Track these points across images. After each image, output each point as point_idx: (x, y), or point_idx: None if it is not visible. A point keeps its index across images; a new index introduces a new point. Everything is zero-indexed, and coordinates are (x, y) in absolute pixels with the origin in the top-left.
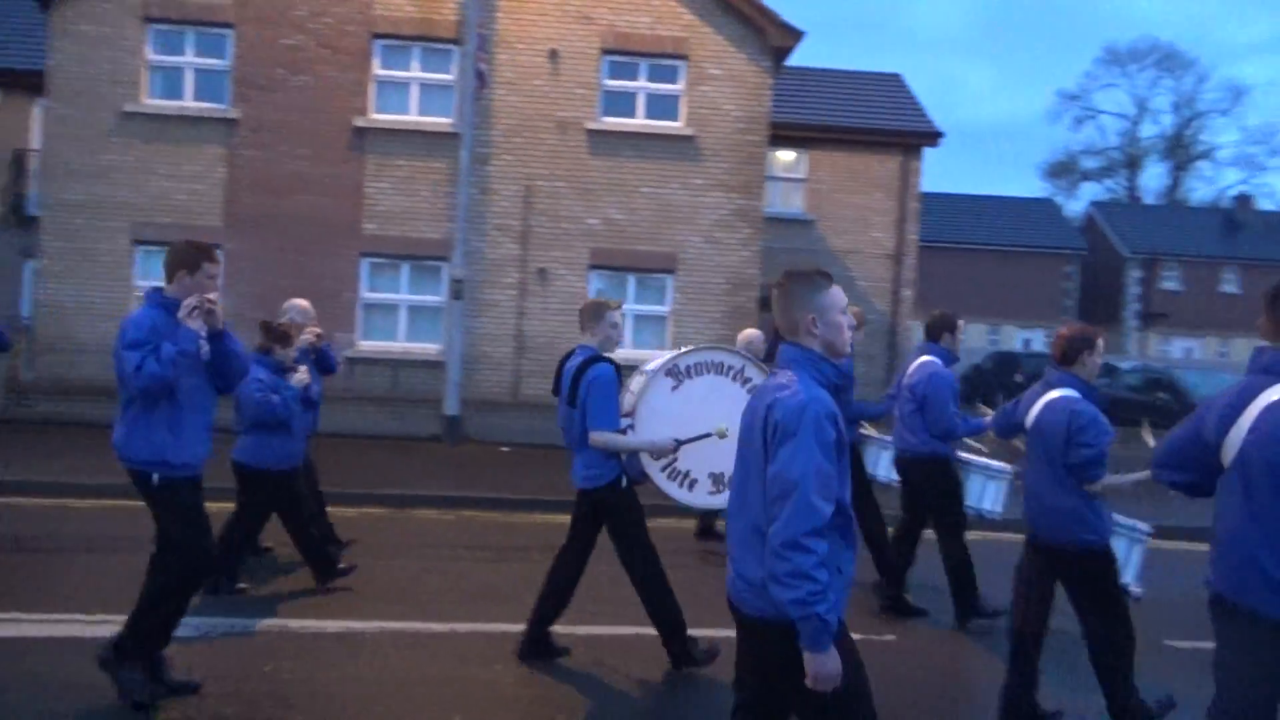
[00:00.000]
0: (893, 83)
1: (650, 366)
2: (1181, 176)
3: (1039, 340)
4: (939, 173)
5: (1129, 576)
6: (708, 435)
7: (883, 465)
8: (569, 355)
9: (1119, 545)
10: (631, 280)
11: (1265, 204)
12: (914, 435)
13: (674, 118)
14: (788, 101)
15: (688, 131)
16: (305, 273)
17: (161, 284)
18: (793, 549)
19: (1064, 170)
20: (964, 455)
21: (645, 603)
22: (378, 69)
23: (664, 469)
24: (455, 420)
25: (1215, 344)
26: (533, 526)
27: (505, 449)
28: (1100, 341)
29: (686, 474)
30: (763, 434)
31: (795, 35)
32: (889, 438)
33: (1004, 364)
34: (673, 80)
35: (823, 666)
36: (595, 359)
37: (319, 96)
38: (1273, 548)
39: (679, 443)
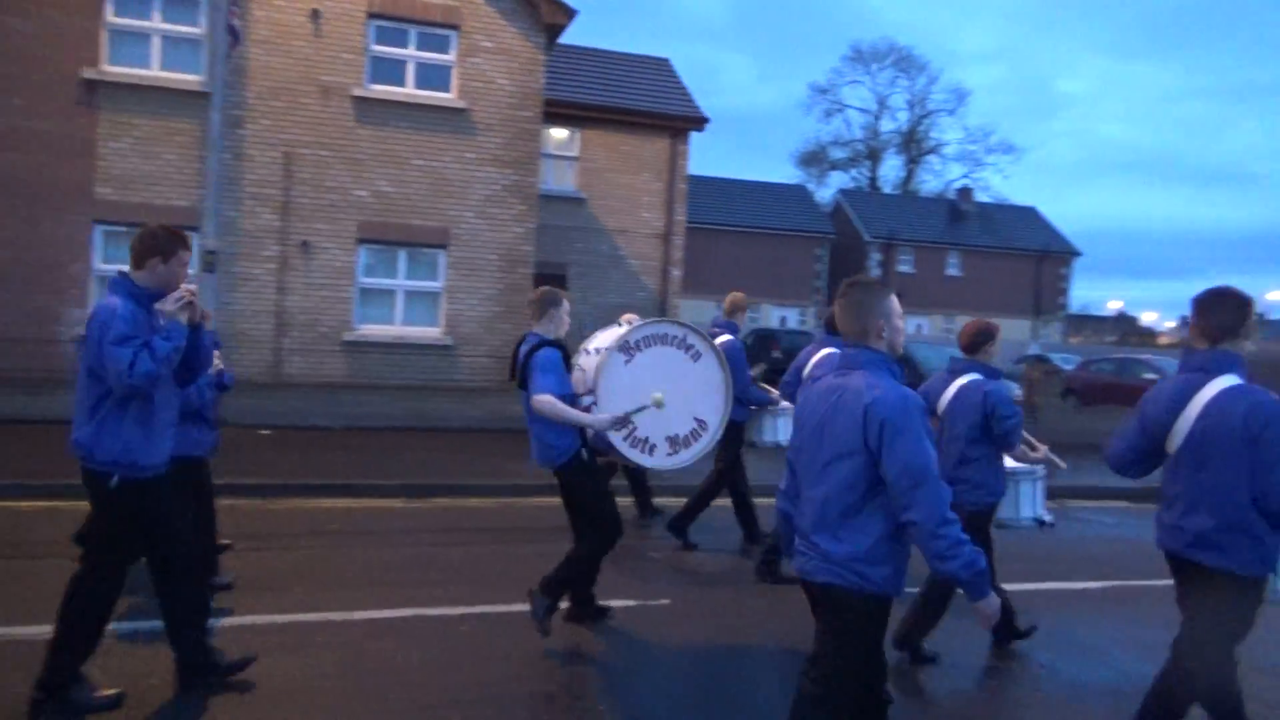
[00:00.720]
0: (661, 67)
1: (599, 345)
2: (915, 169)
3: (794, 318)
4: (704, 157)
5: (1039, 509)
6: (644, 408)
7: (781, 431)
8: (520, 343)
9: (1024, 486)
10: (402, 255)
11: (982, 196)
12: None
13: (446, 89)
14: (561, 79)
15: (460, 104)
16: (24, 240)
17: (124, 269)
18: (943, 525)
19: (814, 159)
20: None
21: (570, 559)
22: (111, 16)
23: (625, 438)
24: None
25: (941, 321)
26: (297, 512)
27: (265, 432)
28: (999, 334)
29: (645, 440)
30: (863, 432)
31: (568, 13)
32: (786, 405)
33: (763, 341)
34: (444, 50)
35: (989, 607)
36: (545, 343)
37: (40, 43)
38: (1232, 513)
39: (617, 419)
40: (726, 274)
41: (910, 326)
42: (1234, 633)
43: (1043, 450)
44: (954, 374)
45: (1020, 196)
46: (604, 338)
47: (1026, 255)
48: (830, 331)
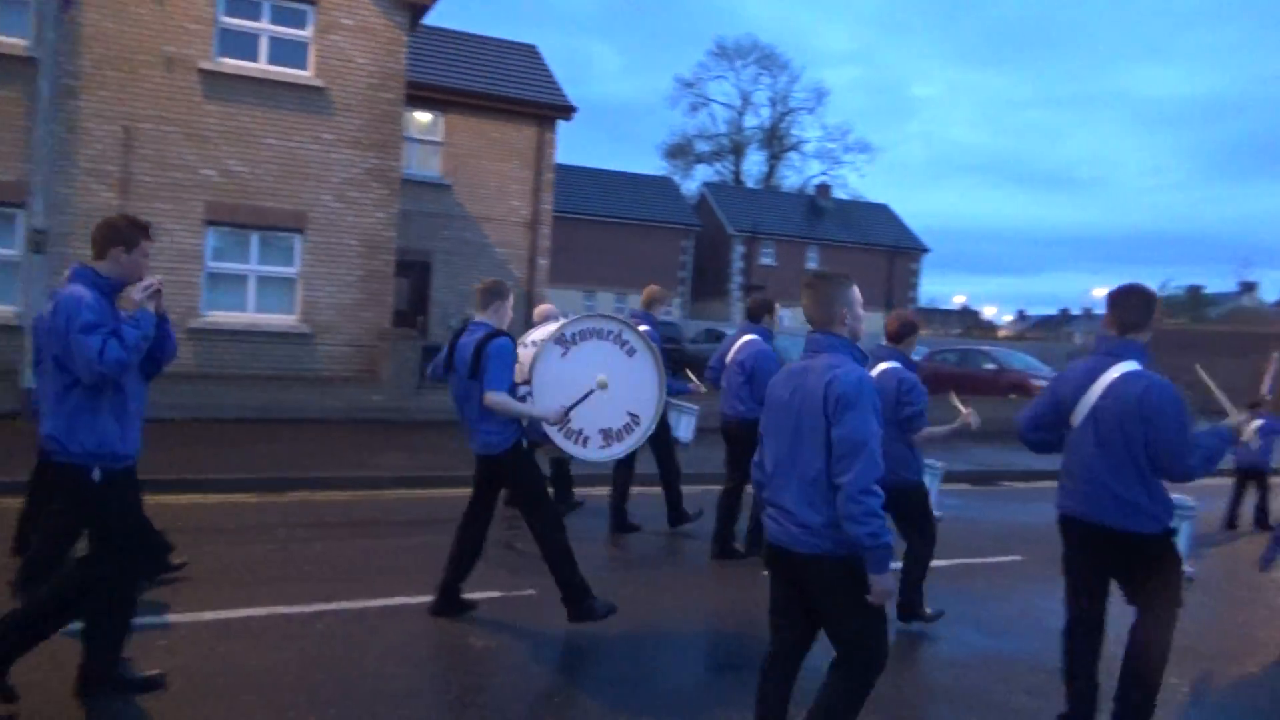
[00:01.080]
0: (529, 53)
1: (536, 338)
2: (776, 165)
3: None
4: (571, 146)
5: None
6: (591, 392)
7: (682, 428)
8: (460, 332)
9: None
10: (255, 239)
11: (840, 193)
12: (742, 404)
13: (302, 66)
14: (425, 62)
15: (317, 82)
16: None
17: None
18: (865, 494)
19: (680, 152)
20: None
21: (546, 559)
22: None
23: (560, 430)
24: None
25: (801, 314)
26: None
27: None
28: (919, 328)
29: (580, 432)
30: (823, 406)
31: None
32: (689, 405)
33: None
34: (300, 25)
35: (885, 584)
36: (497, 333)
37: None
38: (1118, 479)
39: (567, 410)
40: (593, 264)
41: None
42: (1177, 589)
43: (966, 412)
44: (876, 359)
45: (875, 194)
46: (540, 332)
47: (880, 251)
48: (752, 320)
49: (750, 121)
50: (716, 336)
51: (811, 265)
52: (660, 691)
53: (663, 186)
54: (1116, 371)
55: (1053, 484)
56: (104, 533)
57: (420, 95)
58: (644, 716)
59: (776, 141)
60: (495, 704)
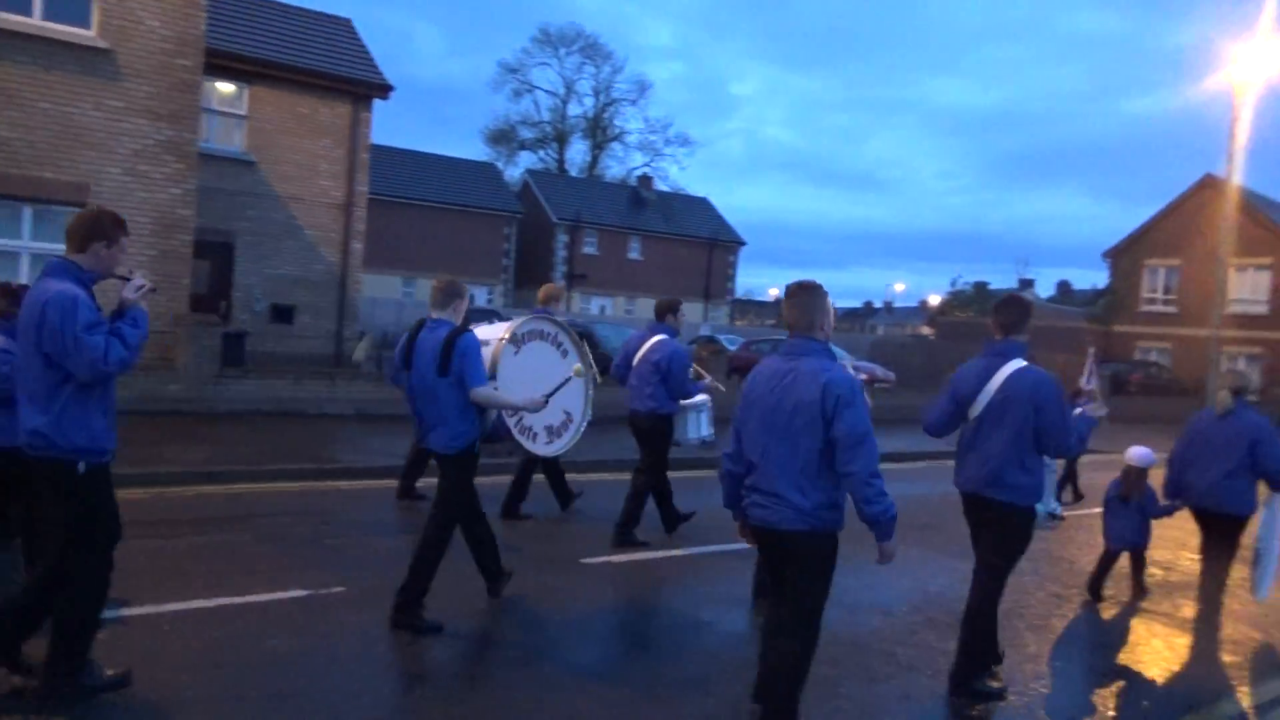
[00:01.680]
0: (343, 27)
1: (490, 336)
2: (599, 155)
3: (482, 296)
4: (390, 127)
5: (705, 431)
6: (568, 380)
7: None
8: (419, 329)
9: (690, 415)
10: (28, 212)
11: (661, 185)
12: (654, 400)
13: (84, 25)
14: (229, 29)
15: (102, 44)
16: None
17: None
18: (874, 477)
19: (504, 138)
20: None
21: (418, 557)
22: None
23: (515, 425)
24: None
25: (624, 303)
26: None
27: None
28: (682, 308)
29: (530, 428)
30: (821, 405)
31: None
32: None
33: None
34: None
35: (892, 550)
36: (462, 330)
37: None
38: (1013, 462)
39: (547, 397)
40: (413, 249)
41: (595, 307)
42: (1018, 552)
43: (709, 379)
44: (653, 332)
45: (695, 188)
46: (489, 332)
47: (699, 243)
48: (658, 319)
49: (574, 110)
50: None
51: (633, 255)
52: (472, 691)
53: (485, 172)
54: (1009, 369)
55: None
56: (84, 526)
57: (223, 65)
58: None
59: (600, 131)
60: (299, 711)
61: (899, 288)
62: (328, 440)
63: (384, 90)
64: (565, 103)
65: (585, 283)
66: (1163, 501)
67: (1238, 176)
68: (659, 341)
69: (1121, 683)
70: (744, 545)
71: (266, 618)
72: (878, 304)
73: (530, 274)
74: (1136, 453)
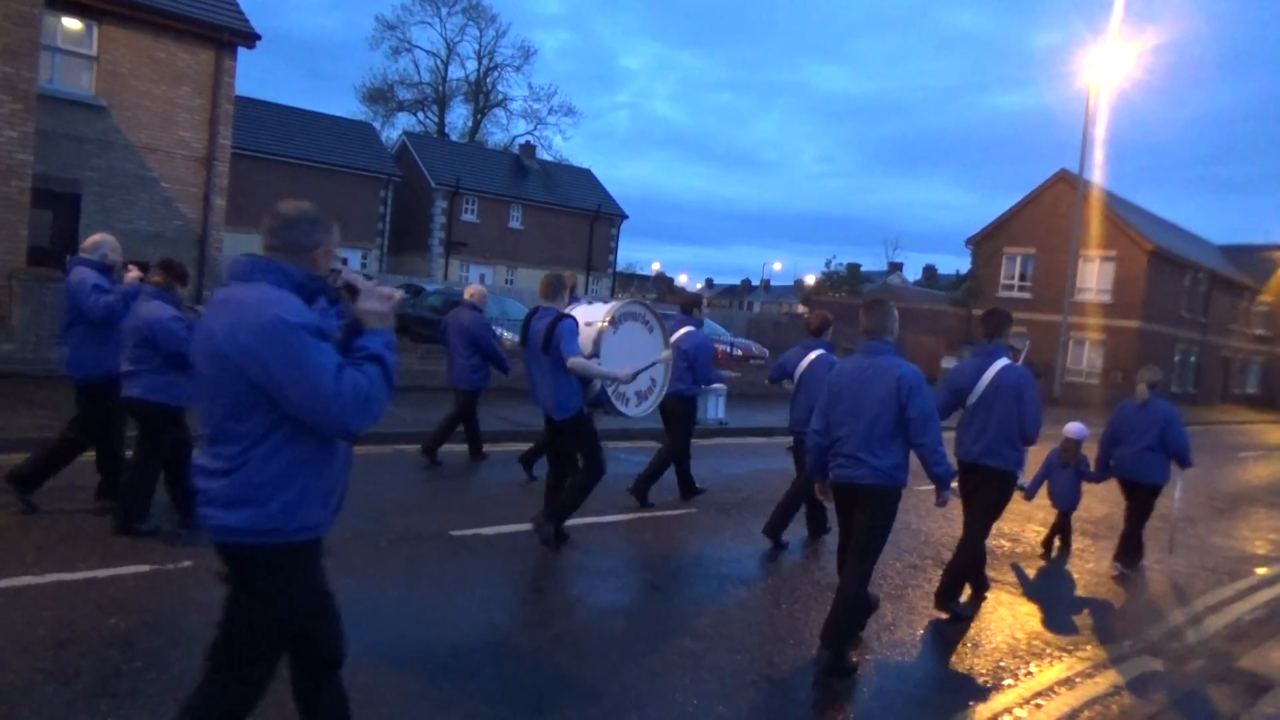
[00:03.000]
0: None
1: (588, 320)
2: (481, 120)
3: (355, 261)
4: (260, 79)
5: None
6: (656, 362)
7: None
8: (531, 317)
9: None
10: None
11: (545, 155)
12: (682, 383)
13: None
14: None
15: None
16: None
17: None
18: (939, 445)
19: (381, 97)
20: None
21: (566, 499)
22: None
23: (613, 392)
24: None
25: (504, 272)
26: None
27: None
28: (704, 302)
29: (624, 394)
30: (896, 393)
31: None
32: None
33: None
34: None
35: (949, 499)
36: (562, 316)
37: None
38: (1001, 438)
39: (636, 372)
40: None
41: (474, 276)
42: (1002, 507)
43: (727, 371)
44: (679, 323)
45: (580, 159)
46: (589, 314)
47: (582, 214)
48: (686, 313)
49: (455, 73)
50: (415, 291)
51: (514, 225)
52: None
53: (361, 132)
54: (997, 366)
55: (720, 442)
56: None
57: None
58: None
59: (482, 96)
60: (134, 691)
61: (777, 267)
62: None
63: (250, 38)
64: (446, 64)
65: (464, 251)
66: (1093, 471)
67: (1098, 175)
68: (688, 332)
69: (969, 648)
70: (616, 517)
71: (107, 595)
72: (755, 282)
73: (407, 239)
74: (1074, 428)
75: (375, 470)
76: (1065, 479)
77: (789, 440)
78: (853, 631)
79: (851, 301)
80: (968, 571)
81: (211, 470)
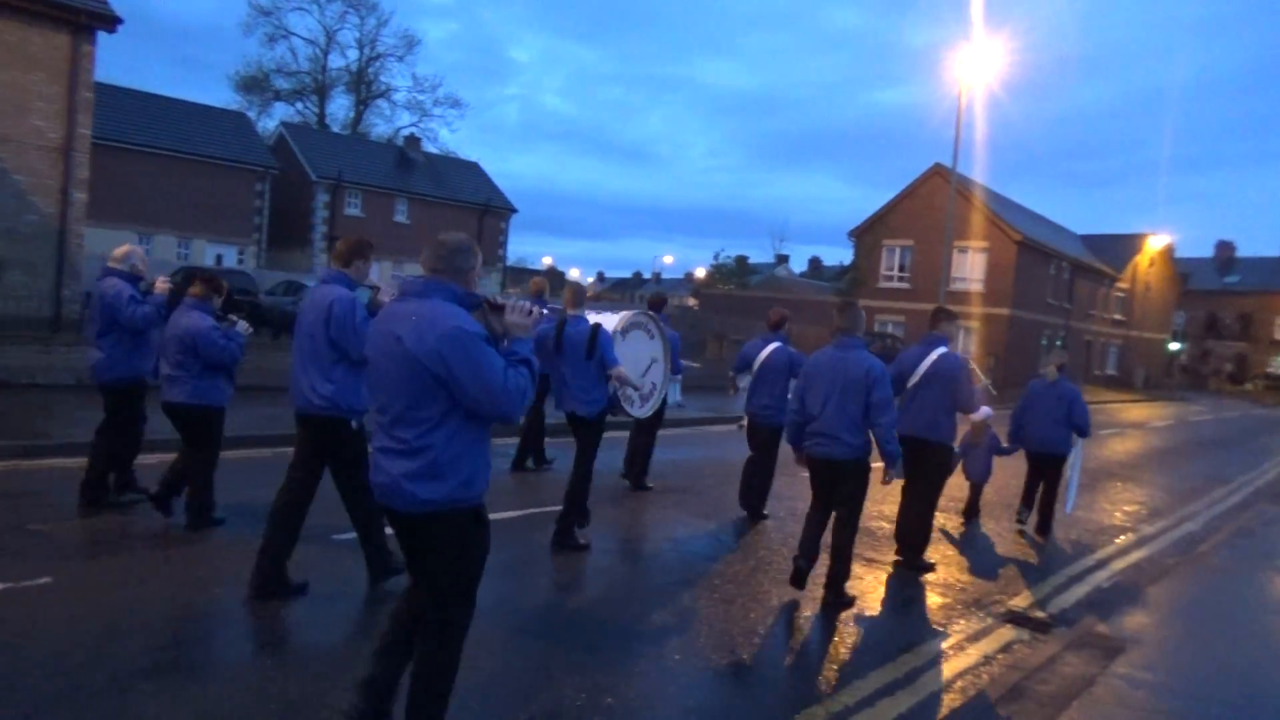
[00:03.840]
0: None
1: (608, 328)
2: (364, 111)
3: (231, 256)
4: (122, 65)
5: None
6: (654, 361)
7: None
8: (564, 324)
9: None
10: None
11: (431, 147)
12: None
13: None
14: None
15: None
16: None
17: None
18: (893, 426)
19: (256, 86)
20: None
21: (571, 490)
22: None
23: (620, 394)
24: None
25: (390, 267)
26: None
27: None
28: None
29: (630, 396)
30: (865, 381)
31: None
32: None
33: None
34: None
35: (900, 472)
36: (599, 325)
37: None
38: (938, 413)
39: (642, 375)
40: (150, 202)
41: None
42: (946, 476)
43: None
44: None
45: (469, 152)
46: (607, 321)
47: (470, 208)
48: (657, 310)
49: (336, 62)
50: (295, 289)
51: (400, 218)
52: (194, 682)
53: (235, 121)
54: (936, 353)
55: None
56: (356, 465)
57: None
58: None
59: (364, 86)
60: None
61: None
62: (39, 413)
63: (110, 22)
64: (326, 53)
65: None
66: (1005, 445)
67: (970, 169)
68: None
69: (851, 628)
70: (506, 515)
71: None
72: (647, 274)
73: (286, 234)
74: (982, 411)
75: (256, 472)
76: (978, 456)
77: (743, 419)
78: (847, 574)
79: (739, 293)
80: (926, 536)
81: (395, 450)
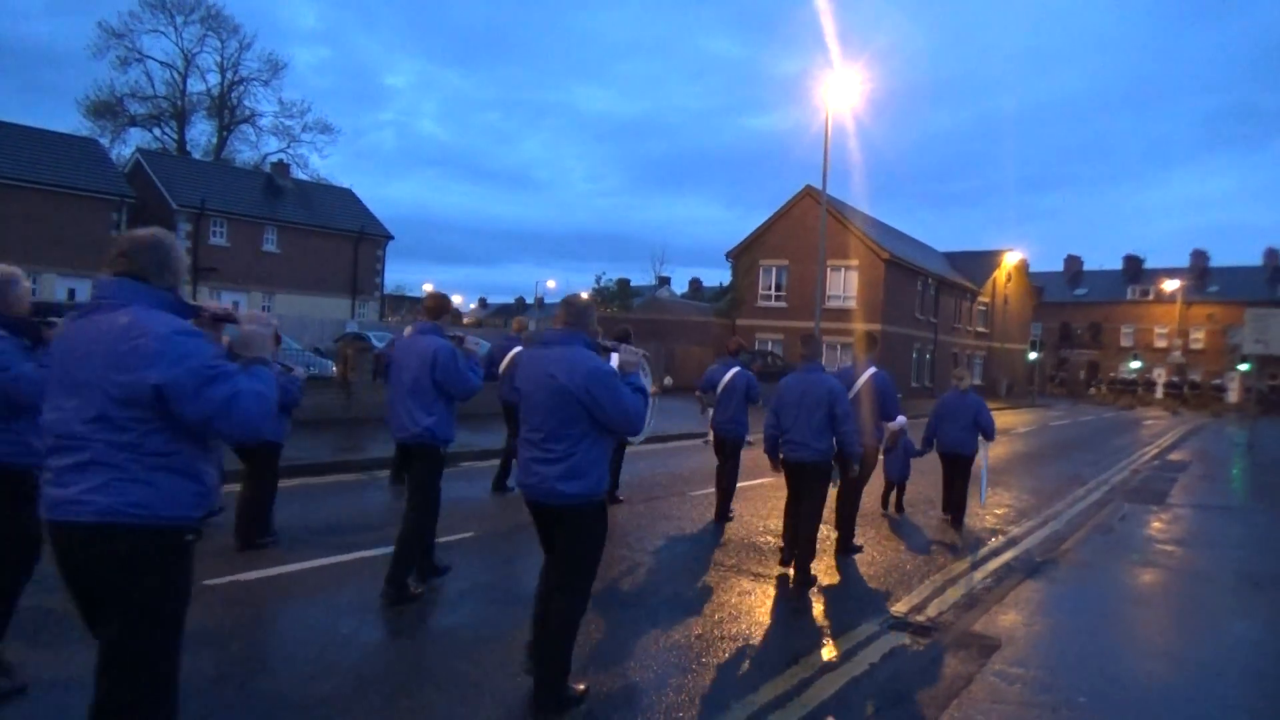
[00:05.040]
0: None
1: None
2: (228, 137)
3: (85, 290)
4: None
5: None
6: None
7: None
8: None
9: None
10: None
11: (302, 174)
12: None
13: None
14: None
15: None
16: None
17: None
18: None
19: (109, 111)
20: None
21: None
22: None
23: None
24: None
25: (260, 298)
26: None
27: None
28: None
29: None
30: (827, 397)
31: None
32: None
33: (43, 314)
34: None
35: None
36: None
37: None
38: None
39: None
40: None
41: (226, 301)
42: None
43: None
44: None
45: (343, 178)
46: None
47: (344, 235)
48: (623, 340)
49: (196, 86)
50: None
51: (269, 248)
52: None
53: (87, 149)
54: (869, 371)
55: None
56: (436, 482)
57: None
58: None
59: (227, 111)
60: None
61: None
62: None
63: None
64: (185, 77)
65: (214, 276)
66: (919, 448)
67: (839, 190)
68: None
69: (740, 644)
70: (359, 554)
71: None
72: (529, 300)
73: None
74: (898, 420)
75: None
76: (895, 458)
77: (709, 435)
78: (813, 555)
79: (622, 315)
80: (853, 522)
81: (547, 459)
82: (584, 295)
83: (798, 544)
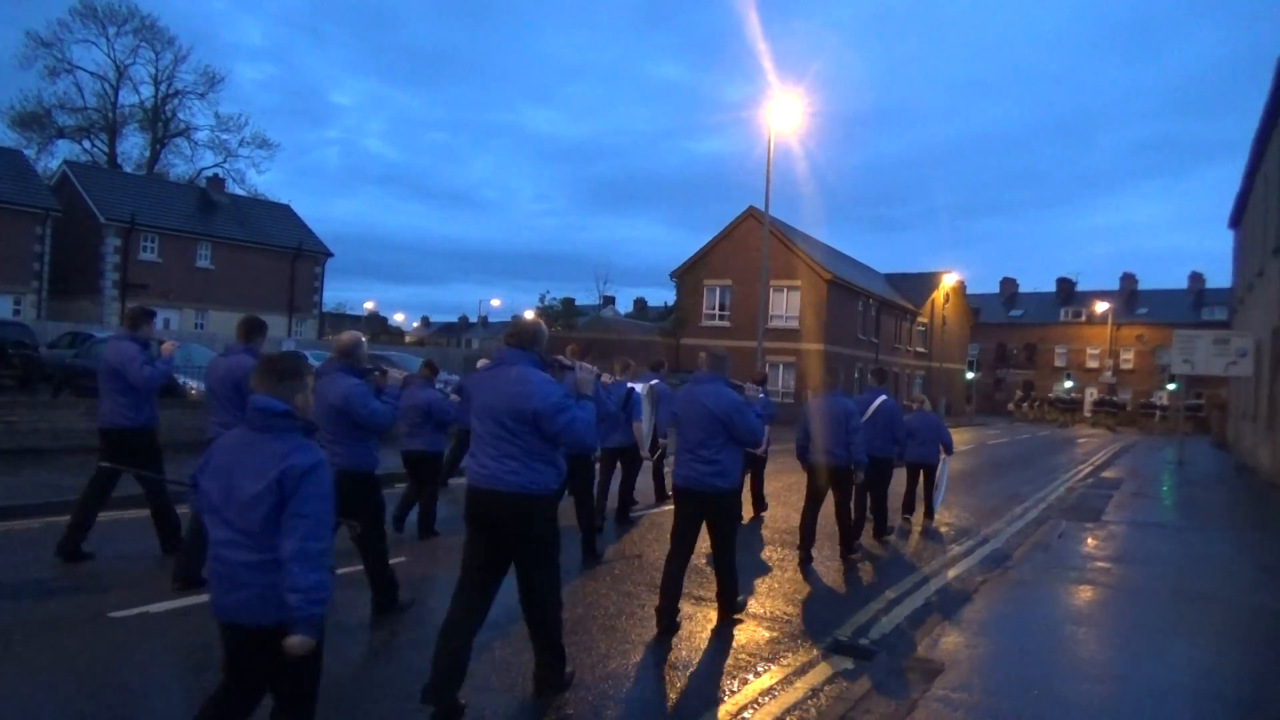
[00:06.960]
0: None
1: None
2: (161, 150)
3: (6, 306)
4: None
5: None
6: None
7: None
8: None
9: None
10: None
11: (237, 188)
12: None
13: None
14: None
15: None
16: None
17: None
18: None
19: (35, 122)
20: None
21: (579, 520)
22: None
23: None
24: None
25: (193, 316)
26: None
27: None
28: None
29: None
30: (844, 415)
31: None
32: None
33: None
34: None
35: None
36: (632, 388)
37: None
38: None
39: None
40: None
41: (159, 321)
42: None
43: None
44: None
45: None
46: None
47: (281, 252)
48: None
49: (128, 98)
50: (79, 340)
51: (203, 264)
52: None
53: (10, 160)
54: (880, 398)
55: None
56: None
57: None
58: None
59: (161, 124)
60: None
61: (495, 303)
62: None
63: None
64: (116, 89)
65: (145, 293)
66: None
67: (782, 213)
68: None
69: (683, 670)
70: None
71: None
72: (474, 319)
73: (73, 281)
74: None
75: (19, 548)
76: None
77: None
78: (858, 534)
79: (567, 334)
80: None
81: (702, 460)
82: (529, 315)
83: (839, 531)
